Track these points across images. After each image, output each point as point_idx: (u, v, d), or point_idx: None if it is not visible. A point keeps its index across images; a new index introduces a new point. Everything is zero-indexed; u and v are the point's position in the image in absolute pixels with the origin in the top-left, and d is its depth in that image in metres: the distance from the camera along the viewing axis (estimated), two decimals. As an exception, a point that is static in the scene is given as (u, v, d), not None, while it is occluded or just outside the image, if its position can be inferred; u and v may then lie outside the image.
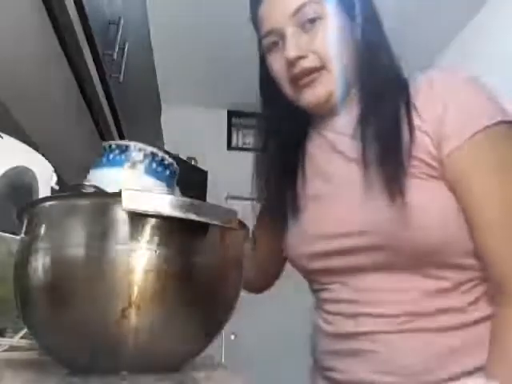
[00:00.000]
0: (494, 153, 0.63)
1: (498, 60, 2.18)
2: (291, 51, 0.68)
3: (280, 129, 0.80)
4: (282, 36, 0.70)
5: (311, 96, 0.71)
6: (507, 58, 2.12)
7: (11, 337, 0.60)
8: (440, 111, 0.64)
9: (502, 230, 0.62)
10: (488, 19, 2.35)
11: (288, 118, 0.79)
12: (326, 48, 0.69)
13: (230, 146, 3.62)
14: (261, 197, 0.83)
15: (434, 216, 0.63)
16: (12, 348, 0.56)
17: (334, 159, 0.73)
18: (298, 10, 0.68)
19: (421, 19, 2.37)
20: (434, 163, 0.64)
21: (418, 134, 0.65)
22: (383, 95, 0.70)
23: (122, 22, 1.15)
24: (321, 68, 0.69)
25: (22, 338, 0.59)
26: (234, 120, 3.64)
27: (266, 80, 0.78)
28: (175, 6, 2.38)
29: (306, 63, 0.69)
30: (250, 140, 3.66)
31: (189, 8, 2.40)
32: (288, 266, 0.84)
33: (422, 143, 0.65)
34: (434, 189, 0.64)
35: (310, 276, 0.77)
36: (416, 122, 0.66)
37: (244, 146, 3.63)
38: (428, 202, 0.63)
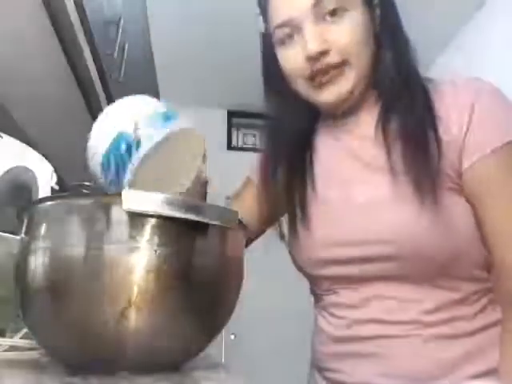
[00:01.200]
0: (509, 170, 0.62)
1: (497, 60, 2.18)
2: (313, 45, 0.63)
3: (286, 127, 0.76)
4: (298, 28, 0.65)
5: (331, 94, 0.66)
6: (507, 57, 2.12)
7: (11, 337, 0.60)
8: (465, 122, 0.62)
9: None
10: (488, 19, 2.35)
11: (296, 115, 0.75)
12: (350, 41, 0.64)
13: (230, 146, 3.62)
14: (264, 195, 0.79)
15: (455, 229, 0.62)
16: (12, 348, 0.56)
17: (351, 163, 0.70)
18: (320, 0, 0.63)
19: (420, 19, 2.37)
20: (454, 175, 0.63)
21: (443, 144, 0.63)
22: (405, 95, 0.66)
23: (121, 21, 1.16)
24: (343, 63, 0.64)
25: (21, 337, 0.58)
26: (234, 120, 3.64)
27: (272, 75, 0.74)
28: (175, 6, 2.38)
29: (329, 59, 0.64)
30: (250, 140, 3.66)
31: (189, 8, 2.40)
32: (287, 265, 0.84)
33: (447, 155, 0.63)
34: (454, 201, 0.63)
35: (317, 281, 0.75)
36: (441, 132, 0.63)
37: (244, 146, 3.63)
38: (450, 215, 0.62)
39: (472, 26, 2.49)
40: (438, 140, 0.63)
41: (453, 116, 0.63)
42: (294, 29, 0.65)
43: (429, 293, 0.64)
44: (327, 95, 0.67)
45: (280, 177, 0.76)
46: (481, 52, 2.35)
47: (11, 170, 0.77)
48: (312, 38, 0.63)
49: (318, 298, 0.77)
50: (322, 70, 0.65)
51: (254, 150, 3.58)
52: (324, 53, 0.64)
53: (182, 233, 0.44)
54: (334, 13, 0.63)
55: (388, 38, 0.68)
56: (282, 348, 2.81)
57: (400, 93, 0.67)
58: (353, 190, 0.68)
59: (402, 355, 0.63)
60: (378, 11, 0.68)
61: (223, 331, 0.50)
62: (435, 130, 0.63)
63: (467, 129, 0.62)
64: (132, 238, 0.41)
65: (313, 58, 0.64)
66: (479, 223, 0.63)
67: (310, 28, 0.64)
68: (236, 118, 3.63)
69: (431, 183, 0.61)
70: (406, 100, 0.66)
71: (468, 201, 0.63)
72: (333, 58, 0.64)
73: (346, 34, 0.64)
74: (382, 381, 0.64)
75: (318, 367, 0.76)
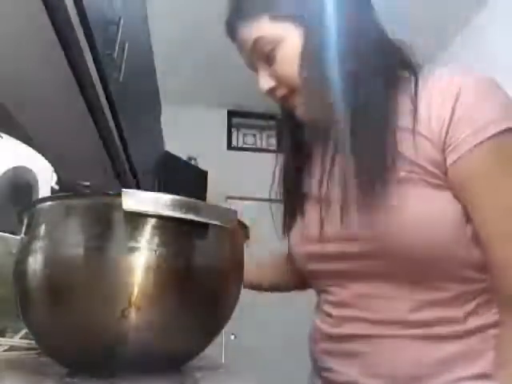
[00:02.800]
0: (502, 161, 0.59)
1: (497, 60, 2.18)
2: (262, 85, 0.71)
3: (292, 130, 0.79)
4: (255, 67, 0.72)
5: (300, 113, 0.71)
6: (507, 58, 2.12)
7: (11, 337, 0.60)
8: (447, 116, 0.60)
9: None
10: (488, 19, 2.35)
11: (297, 125, 0.78)
12: (291, 74, 0.67)
13: (230, 146, 3.62)
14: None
15: (433, 226, 0.60)
16: (12, 348, 0.56)
17: (336, 162, 0.71)
18: (253, 46, 0.69)
19: (421, 19, 2.37)
20: (437, 171, 0.61)
21: (419, 139, 0.61)
22: (362, 99, 0.64)
23: (121, 21, 1.16)
24: (292, 92, 0.69)
25: (21, 338, 0.59)
26: (234, 120, 3.64)
27: None
28: (175, 6, 2.38)
29: (280, 93, 0.71)
30: (250, 140, 3.66)
31: (189, 8, 2.40)
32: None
33: (424, 149, 0.61)
34: (436, 198, 0.61)
35: (310, 276, 0.77)
36: (418, 126, 0.62)
37: (244, 146, 3.64)
38: (428, 212, 0.60)
39: (473, 24, 2.49)
40: (414, 134, 0.61)
41: (434, 110, 0.61)
42: (254, 67, 0.73)
43: (415, 292, 0.63)
44: (299, 115, 0.72)
45: (286, 178, 0.81)
46: (481, 52, 2.35)
47: (11, 170, 0.77)
48: (260, 79, 0.71)
49: (316, 295, 0.79)
50: (280, 101, 0.73)
51: (253, 149, 3.59)
52: (273, 90, 0.71)
53: (182, 233, 0.44)
54: (269, 53, 0.68)
55: (340, 46, 0.66)
56: (282, 348, 2.81)
57: (355, 99, 0.65)
58: (337, 187, 0.68)
59: (387, 355, 0.63)
60: (311, 24, 0.66)
61: (223, 331, 0.50)
62: (413, 124, 0.62)
63: (449, 123, 0.60)
64: (132, 238, 0.41)
65: (268, 95, 0.72)
66: (470, 221, 0.61)
67: (260, 68, 0.71)
68: (236, 117, 3.63)
69: (388, 181, 0.60)
70: (363, 107, 0.64)
71: (456, 197, 0.61)
72: (281, 92, 0.70)
73: (286, 67, 0.68)
74: (369, 381, 0.64)
75: (314, 366, 0.77)
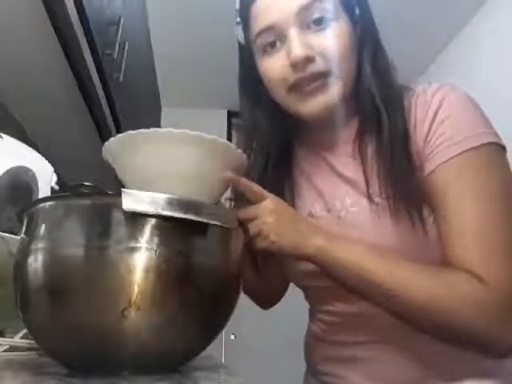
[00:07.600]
0: (471, 176, 0.59)
1: (496, 62, 2.18)
2: (299, 51, 0.60)
3: (263, 138, 0.73)
4: (281, 35, 0.62)
5: (315, 105, 0.63)
6: (505, 60, 2.12)
7: (11, 337, 0.60)
8: (426, 130, 0.61)
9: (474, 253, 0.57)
10: (485, 22, 2.35)
11: (272, 127, 0.73)
12: (335, 50, 0.62)
13: (229, 146, 3.62)
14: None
15: (430, 238, 0.61)
16: (12, 348, 0.56)
17: (331, 178, 0.70)
18: (305, 7, 0.61)
19: (418, 21, 2.37)
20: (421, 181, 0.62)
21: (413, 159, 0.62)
22: (383, 112, 0.64)
23: (121, 21, 1.16)
24: (327, 74, 0.62)
25: (21, 337, 0.59)
26: (234, 120, 3.64)
27: (249, 86, 0.72)
28: (175, 6, 2.38)
29: (314, 67, 0.61)
30: (249, 140, 3.65)
31: (189, 8, 2.40)
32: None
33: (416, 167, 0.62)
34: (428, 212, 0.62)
35: (306, 290, 0.77)
36: (411, 146, 0.62)
37: (244, 146, 3.63)
38: (424, 226, 0.61)
39: (469, 28, 2.49)
40: (410, 157, 0.62)
41: (418, 128, 0.62)
42: (277, 35, 0.63)
43: None
44: (311, 106, 0.63)
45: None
46: (479, 54, 2.35)
47: (11, 169, 0.77)
48: (297, 44, 0.61)
49: (309, 303, 0.79)
50: (306, 79, 0.62)
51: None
52: (309, 60, 0.61)
53: (182, 233, 0.44)
54: (318, 21, 0.62)
55: (368, 53, 0.66)
56: (282, 348, 2.81)
57: (378, 110, 0.65)
58: (334, 203, 0.68)
59: (392, 359, 0.63)
60: (358, 26, 0.66)
61: (223, 331, 0.50)
62: (407, 147, 0.62)
63: (426, 136, 0.61)
64: (132, 237, 0.41)
65: (298, 65, 0.61)
66: (437, 227, 0.61)
67: (295, 34, 0.61)
68: (236, 117, 3.63)
69: (406, 205, 0.60)
70: (383, 118, 0.64)
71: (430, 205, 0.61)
72: (318, 66, 0.61)
73: (331, 42, 0.62)
74: None
75: (311, 371, 0.76)
